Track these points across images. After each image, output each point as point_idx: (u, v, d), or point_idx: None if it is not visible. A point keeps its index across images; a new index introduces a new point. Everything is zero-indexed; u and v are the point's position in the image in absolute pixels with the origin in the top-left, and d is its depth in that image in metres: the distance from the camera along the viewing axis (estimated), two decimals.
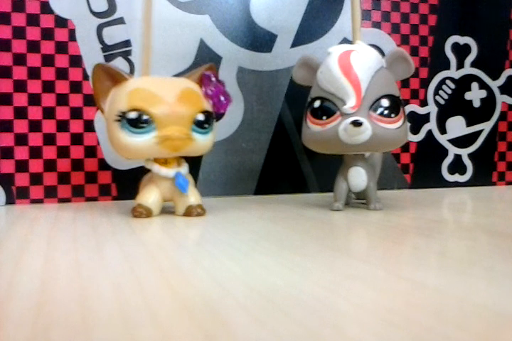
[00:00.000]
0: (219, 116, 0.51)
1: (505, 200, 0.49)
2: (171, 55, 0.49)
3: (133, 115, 0.34)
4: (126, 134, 0.34)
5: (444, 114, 0.59)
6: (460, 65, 0.60)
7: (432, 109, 0.59)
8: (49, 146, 0.46)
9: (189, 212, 0.36)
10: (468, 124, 0.61)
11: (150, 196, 0.37)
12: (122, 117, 0.34)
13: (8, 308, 0.16)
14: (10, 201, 0.46)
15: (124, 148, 0.35)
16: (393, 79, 0.37)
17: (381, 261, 0.22)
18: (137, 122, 0.34)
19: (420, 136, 0.59)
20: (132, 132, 0.34)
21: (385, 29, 0.56)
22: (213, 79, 0.36)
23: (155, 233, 0.32)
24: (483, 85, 0.61)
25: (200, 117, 0.35)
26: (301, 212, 0.39)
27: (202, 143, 0.36)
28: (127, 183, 0.48)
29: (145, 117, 0.34)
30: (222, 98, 0.37)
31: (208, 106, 0.36)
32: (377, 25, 0.56)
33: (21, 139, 0.46)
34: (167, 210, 0.38)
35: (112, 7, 0.48)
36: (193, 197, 0.37)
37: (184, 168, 0.37)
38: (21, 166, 0.46)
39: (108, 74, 0.36)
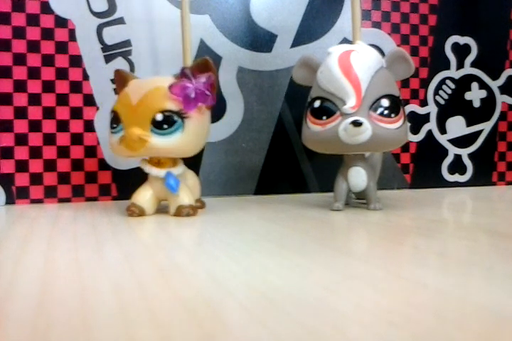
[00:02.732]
0: (218, 115, 0.51)
1: (505, 200, 0.49)
2: (171, 55, 0.49)
3: (111, 115, 0.37)
4: (110, 134, 0.37)
5: (444, 114, 0.59)
6: (460, 65, 0.60)
7: (432, 109, 0.59)
8: (49, 146, 0.46)
9: (179, 212, 0.36)
10: (468, 124, 0.61)
11: (143, 195, 0.37)
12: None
13: (8, 308, 0.16)
14: (10, 201, 0.46)
15: (109, 146, 0.38)
16: (393, 79, 0.37)
17: (381, 261, 0.22)
18: (112, 123, 0.37)
19: (420, 136, 0.59)
20: (111, 132, 0.37)
21: (385, 29, 0.56)
22: (187, 74, 0.34)
23: (155, 233, 0.32)
24: (483, 85, 0.61)
25: (159, 117, 0.34)
26: (301, 212, 0.39)
27: (164, 144, 0.35)
28: (127, 183, 0.48)
29: (116, 118, 0.36)
30: (191, 95, 0.34)
31: (173, 105, 0.34)
32: (377, 25, 0.56)
33: (21, 139, 0.46)
34: (167, 210, 0.38)
35: (112, 7, 0.48)
36: (185, 197, 0.37)
37: (178, 169, 0.37)
38: (21, 166, 0.46)
39: (121, 79, 0.38)
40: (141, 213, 0.37)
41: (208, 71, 0.36)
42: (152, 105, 0.34)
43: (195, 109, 0.35)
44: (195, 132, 0.36)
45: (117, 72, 0.39)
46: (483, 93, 0.61)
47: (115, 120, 0.36)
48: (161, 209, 0.39)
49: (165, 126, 0.34)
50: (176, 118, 0.34)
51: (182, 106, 0.35)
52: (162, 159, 0.37)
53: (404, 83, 0.57)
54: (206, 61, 0.36)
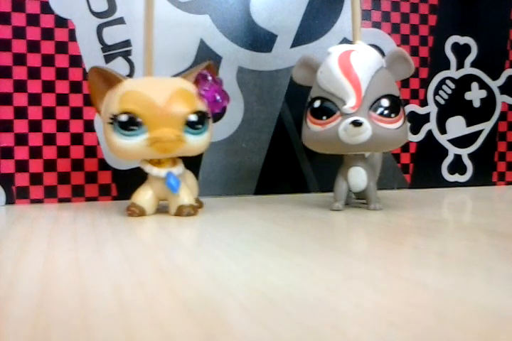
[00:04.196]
0: (218, 116, 0.51)
1: (505, 200, 0.49)
2: (171, 55, 0.49)
3: (124, 118, 0.34)
4: (119, 136, 0.35)
5: (444, 114, 0.59)
6: (460, 65, 0.60)
7: (432, 109, 0.59)
8: (49, 146, 0.46)
9: (180, 212, 0.36)
10: (468, 124, 0.61)
11: (144, 195, 0.37)
12: (114, 120, 0.35)
13: (8, 308, 0.16)
14: (10, 201, 0.46)
15: (117, 149, 0.36)
16: (393, 79, 0.37)
17: (381, 261, 0.22)
18: (128, 125, 0.34)
19: (420, 136, 0.59)
20: (124, 134, 0.34)
21: (385, 29, 0.56)
22: (209, 78, 0.36)
23: (155, 233, 0.32)
24: (483, 85, 0.61)
25: (193, 118, 0.35)
26: (301, 212, 0.39)
27: (195, 143, 0.36)
28: (127, 183, 0.48)
29: (136, 120, 0.34)
30: (217, 97, 0.36)
31: (201, 106, 0.36)
32: (377, 25, 0.56)
33: (21, 139, 0.46)
34: (167, 210, 0.38)
35: (112, 7, 0.48)
36: (186, 197, 0.37)
37: (178, 168, 0.37)
38: (21, 166, 0.46)
39: (103, 77, 0.36)
40: (141, 213, 0.37)
41: (214, 73, 0.37)
42: (186, 106, 0.35)
43: (220, 110, 0.37)
44: (211, 131, 0.38)
45: (101, 71, 0.36)
46: (483, 93, 0.61)
47: (132, 122, 0.34)
48: (161, 209, 0.39)
49: (199, 126, 0.36)
50: (205, 118, 0.36)
51: (209, 107, 0.36)
52: (162, 159, 0.37)
53: (404, 83, 0.57)
54: (212, 64, 0.38)
